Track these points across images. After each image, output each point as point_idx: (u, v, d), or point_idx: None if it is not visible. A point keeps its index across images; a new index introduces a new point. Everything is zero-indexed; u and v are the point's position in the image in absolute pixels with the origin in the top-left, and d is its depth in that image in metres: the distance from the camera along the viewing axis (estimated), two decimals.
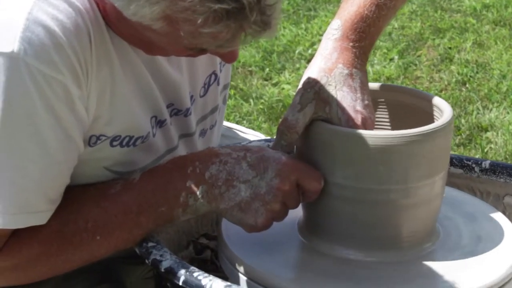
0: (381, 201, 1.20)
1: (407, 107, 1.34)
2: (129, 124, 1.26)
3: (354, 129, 1.20)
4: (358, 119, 1.22)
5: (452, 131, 1.25)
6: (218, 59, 1.43)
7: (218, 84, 1.45)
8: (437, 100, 1.30)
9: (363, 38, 1.27)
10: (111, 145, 1.26)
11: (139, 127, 1.28)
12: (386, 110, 1.37)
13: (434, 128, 1.20)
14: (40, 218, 1.20)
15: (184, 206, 1.22)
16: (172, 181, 1.22)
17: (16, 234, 1.21)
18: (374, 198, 1.20)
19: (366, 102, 1.24)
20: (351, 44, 1.26)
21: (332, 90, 1.23)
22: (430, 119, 1.29)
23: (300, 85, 1.25)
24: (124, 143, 1.27)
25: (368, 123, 1.23)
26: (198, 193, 1.21)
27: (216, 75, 1.43)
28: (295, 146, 1.27)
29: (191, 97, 1.38)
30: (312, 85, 1.24)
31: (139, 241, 1.24)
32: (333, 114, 1.23)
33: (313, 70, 1.25)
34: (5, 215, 1.17)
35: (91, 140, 1.24)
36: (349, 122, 1.22)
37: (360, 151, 1.19)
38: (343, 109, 1.22)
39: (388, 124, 1.37)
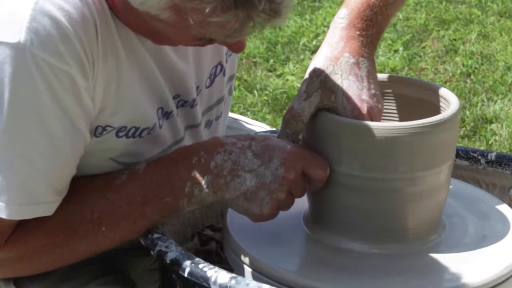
0: (387, 190, 1.20)
1: (414, 98, 1.34)
2: (135, 115, 1.26)
3: (359, 121, 1.20)
4: (363, 108, 1.21)
5: (459, 122, 1.24)
6: (224, 50, 1.42)
7: (224, 74, 1.44)
8: (444, 91, 1.29)
9: (370, 27, 1.26)
10: (117, 135, 1.26)
11: (145, 118, 1.28)
12: (393, 101, 1.36)
13: (441, 120, 1.20)
14: (47, 209, 1.20)
15: (190, 197, 1.22)
16: (177, 172, 1.22)
17: (21, 225, 1.21)
18: (380, 187, 1.20)
19: (373, 91, 1.23)
20: (357, 32, 1.26)
21: (338, 79, 1.23)
22: (437, 110, 1.29)
23: (306, 74, 1.25)
24: (130, 134, 1.27)
25: (374, 113, 1.22)
26: (203, 183, 1.20)
27: (222, 66, 1.43)
28: (300, 136, 1.26)
29: (197, 87, 1.38)
30: (318, 74, 1.23)
31: (144, 232, 1.24)
32: (339, 103, 1.22)
33: (320, 59, 1.25)
34: (12, 206, 1.17)
35: (97, 131, 1.24)
36: (354, 111, 1.21)
37: (366, 142, 1.18)
38: (348, 98, 1.22)
39: (395, 115, 1.37)
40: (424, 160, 1.20)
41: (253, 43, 3.92)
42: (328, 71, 1.23)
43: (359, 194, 1.21)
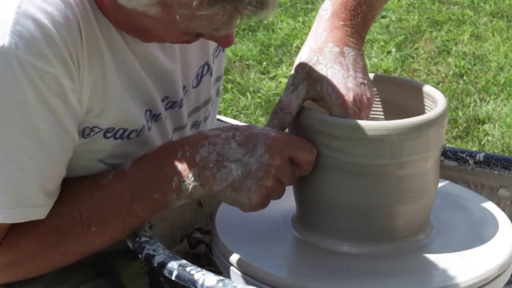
0: (375, 174, 1.19)
1: (400, 96, 1.33)
2: (122, 117, 1.26)
3: (347, 120, 1.19)
4: (349, 96, 1.21)
5: (446, 119, 1.24)
6: (210, 50, 1.42)
7: (211, 75, 1.44)
8: (429, 89, 1.29)
9: (354, 16, 1.26)
10: (105, 136, 1.26)
11: (133, 120, 1.28)
12: (379, 100, 1.36)
13: (429, 119, 1.19)
14: (40, 212, 1.20)
15: (177, 191, 1.21)
16: (163, 167, 1.22)
17: (14, 228, 1.21)
18: (368, 171, 1.19)
19: (360, 79, 1.22)
20: (341, 22, 1.25)
21: (322, 68, 1.22)
22: (422, 108, 1.29)
23: (292, 69, 1.25)
24: (117, 135, 1.27)
25: (362, 101, 1.22)
26: (190, 176, 1.20)
27: (209, 66, 1.43)
28: (288, 131, 1.26)
29: (184, 87, 1.38)
30: (303, 66, 1.23)
31: (135, 230, 1.24)
32: (324, 92, 1.21)
33: (304, 52, 1.25)
34: (4, 209, 1.17)
35: (85, 132, 1.24)
36: (339, 99, 1.21)
37: (354, 141, 1.18)
38: (333, 86, 1.21)
39: (381, 113, 1.37)
40: (412, 151, 1.20)
41: (246, 46, 3.92)
42: (312, 62, 1.23)
43: (346, 178, 1.20)
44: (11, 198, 1.17)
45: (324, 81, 1.21)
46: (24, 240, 1.22)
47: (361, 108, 1.21)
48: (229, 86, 3.55)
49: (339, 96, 1.20)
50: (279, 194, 1.21)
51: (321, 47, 1.24)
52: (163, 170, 1.22)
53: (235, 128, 1.22)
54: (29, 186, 1.18)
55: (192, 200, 1.26)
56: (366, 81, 1.23)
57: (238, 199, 1.20)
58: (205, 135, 1.22)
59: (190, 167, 1.20)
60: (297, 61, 1.25)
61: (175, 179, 1.21)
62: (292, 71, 1.25)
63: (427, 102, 1.29)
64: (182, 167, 1.20)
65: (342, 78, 1.21)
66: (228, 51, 3.82)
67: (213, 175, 1.19)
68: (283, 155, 1.19)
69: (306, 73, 1.23)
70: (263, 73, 3.73)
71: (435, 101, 1.26)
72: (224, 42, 1.21)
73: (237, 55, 3.82)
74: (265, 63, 3.80)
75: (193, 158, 1.20)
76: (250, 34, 4.06)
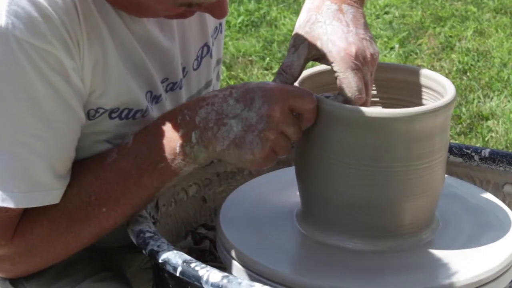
0: (384, 128, 1.17)
1: (399, 83, 1.33)
2: (125, 97, 1.26)
3: (350, 107, 1.18)
4: (351, 49, 1.19)
5: (453, 104, 1.23)
6: (209, 31, 1.42)
7: (211, 57, 1.44)
8: (428, 73, 1.29)
9: None
10: (110, 117, 1.26)
11: (136, 100, 1.27)
12: (375, 88, 1.35)
13: (437, 106, 1.19)
14: (53, 196, 1.19)
15: (183, 156, 1.20)
16: (165, 135, 1.21)
17: (26, 214, 1.21)
18: (374, 125, 1.16)
19: (362, 35, 1.21)
20: None
21: (321, 26, 1.21)
22: (420, 91, 1.29)
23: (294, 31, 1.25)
24: (123, 115, 1.27)
25: (365, 55, 1.20)
26: (192, 139, 1.19)
27: (208, 47, 1.43)
28: None
29: (184, 68, 1.38)
30: (303, 26, 1.23)
31: (149, 202, 1.24)
32: (325, 49, 1.20)
33: (303, 12, 1.25)
34: (18, 194, 1.16)
35: (90, 114, 1.24)
36: (340, 53, 1.19)
37: (356, 130, 1.17)
38: (333, 41, 1.20)
39: (377, 99, 1.36)
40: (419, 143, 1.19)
41: (249, 42, 3.92)
42: (311, 21, 1.22)
43: (354, 130, 1.18)
44: (23, 182, 1.17)
45: (324, 38, 1.20)
46: (37, 226, 1.21)
47: (363, 63, 1.20)
48: (232, 82, 3.55)
49: (340, 50, 1.19)
50: (285, 148, 1.20)
51: (318, 6, 1.23)
52: (165, 138, 1.21)
53: (232, 86, 1.21)
54: (40, 168, 1.17)
55: (200, 165, 1.24)
56: (368, 37, 1.22)
57: (241, 155, 1.18)
58: (203, 97, 1.21)
59: (191, 129, 1.19)
60: (297, 23, 1.25)
61: (178, 144, 1.20)
62: (293, 34, 1.24)
63: (426, 82, 1.29)
64: (183, 131, 1.20)
65: (342, 33, 1.20)
66: (231, 47, 3.82)
67: (214, 134, 1.18)
68: (283, 106, 1.17)
69: (306, 32, 1.22)
70: (266, 69, 3.73)
71: (441, 84, 1.26)
72: (217, 13, 1.20)
73: (240, 51, 3.82)
74: (268, 59, 3.79)
75: (192, 120, 1.19)
76: (253, 30, 4.06)
